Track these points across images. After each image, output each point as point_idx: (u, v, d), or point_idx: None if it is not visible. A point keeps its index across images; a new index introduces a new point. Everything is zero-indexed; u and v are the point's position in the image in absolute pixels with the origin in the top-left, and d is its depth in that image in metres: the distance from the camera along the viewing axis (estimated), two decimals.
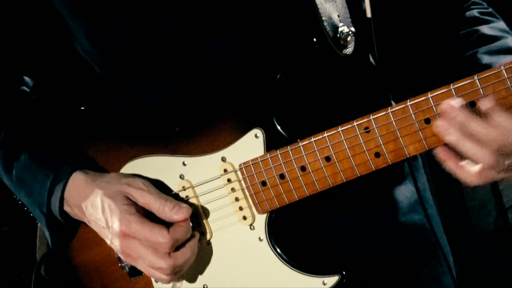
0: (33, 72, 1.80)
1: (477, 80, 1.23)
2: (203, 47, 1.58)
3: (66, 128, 1.74)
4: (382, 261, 1.67)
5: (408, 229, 1.70)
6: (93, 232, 1.65)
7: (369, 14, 1.51)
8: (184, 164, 1.61)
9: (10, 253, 3.59)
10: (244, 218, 1.56)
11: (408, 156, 1.37)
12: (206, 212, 1.61)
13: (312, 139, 1.44)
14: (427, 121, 1.30)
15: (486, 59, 1.54)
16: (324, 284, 1.50)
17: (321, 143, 1.43)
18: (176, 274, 1.57)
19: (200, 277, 1.64)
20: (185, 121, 1.61)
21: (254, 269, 1.58)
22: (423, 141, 1.33)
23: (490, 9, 1.72)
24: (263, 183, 1.52)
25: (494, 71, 1.21)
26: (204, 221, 1.61)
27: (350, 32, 1.48)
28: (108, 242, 1.60)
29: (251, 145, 1.53)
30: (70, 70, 1.74)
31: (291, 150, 1.47)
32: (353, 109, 1.38)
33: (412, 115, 1.31)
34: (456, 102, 1.25)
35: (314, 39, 1.44)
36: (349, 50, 1.50)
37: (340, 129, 1.40)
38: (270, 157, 1.50)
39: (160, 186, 1.62)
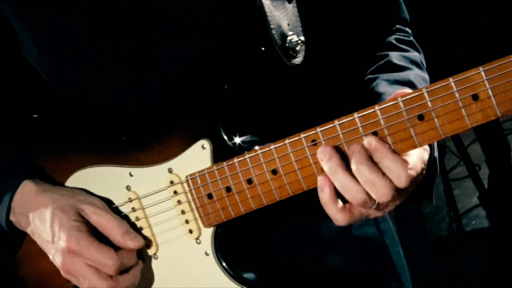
0: None
1: (425, 93, 1.17)
2: (152, 51, 1.51)
3: (15, 136, 1.65)
4: (333, 275, 1.61)
5: (361, 243, 1.65)
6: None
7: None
8: (131, 174, 1.54)
9: None
10: (190, 231, 1.49)
11: None
12: (152, 225, 1.54)
13: (259, 151, 1.36)
14: (375, 134, 1.23)
15: (382, 87, 1.51)
16: None
17: (268, 155, 1.35)
18: None
19: None
20: (132, 130, 1.54)
21: (200, 284, 1.51)
22: None
23: (410, 38, 1.69)
24: (209, 196, 1.45)
25: (442, 84, 1.15)
26: (150, 234, 1.54)
27: (299, 41, 1.42)
28: (50, 256, 1.52)
29: (198, 156, 1.46)
30: (16, 76, 1.67)
31: (237, 162, 1.40)
32: (312, 121, 1.30)
33: (360, 128, 1.24)
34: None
35: (262, 48, 1.38)
36: (298, 60, 1.43)
37: (287, 141, 1.33)
38: (216, 169, 1.43)
39: (106, 197, 1.56)
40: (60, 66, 1.59)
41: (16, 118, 1.67)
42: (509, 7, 3.62)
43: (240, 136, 1.45)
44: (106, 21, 1.50)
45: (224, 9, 1.43)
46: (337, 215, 1.31)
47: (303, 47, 1.44)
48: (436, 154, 1.43)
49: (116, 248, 1.48)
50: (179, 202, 1.49)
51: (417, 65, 1.59)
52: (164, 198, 1.51)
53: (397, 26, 1.70)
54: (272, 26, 1.39)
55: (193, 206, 1.48)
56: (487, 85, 1.11)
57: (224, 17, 1.44)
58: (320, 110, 1.33)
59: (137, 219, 1.54)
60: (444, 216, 4.26)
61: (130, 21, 1.49)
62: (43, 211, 1.50)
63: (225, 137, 1.44)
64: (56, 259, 1.49)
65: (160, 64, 1.51)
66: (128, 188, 1.54)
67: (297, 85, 1.51)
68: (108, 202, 1.55)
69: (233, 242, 1.51)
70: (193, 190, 1.47)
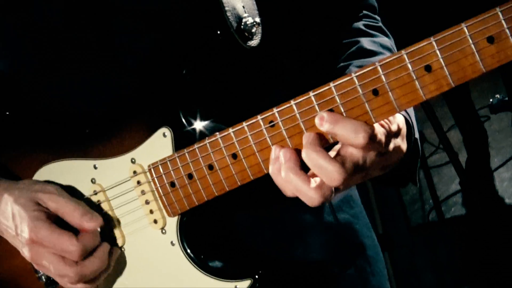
0: None
1: (378, 67, 1.13)
2: (110, 44, 1.47)
3: None
4: (304, 262, 1.57)
5: (332, 229, 1.61)
6: (9, 243, 1.53)
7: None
8: (95, 167, 1.50)
9: None
10: (155, 221, 1.45)
11: None
12: (118, 217, 1.50)
13: (218, 136, 1.32)
14: (331, 111, 1.19)
15: None
16: None
17: (227, 139, 1.31)
18: (88, 283, 1.47)
19: (115, 285, 1.53)
20: (95, 122, 1.50)
21: (168, 275, 1.47)
22: None
23: (379, 24, 1.65)
24: (172, 184, 1.41)
25: (395, 56, 1.12)
26: (116, 225, 1.50)
27: (255, 23, 1.38)
28: (20, 251, 1.49)
29: (159, 144, 1.42)
30: None
31: (198, 148, 1.36)
32: (273, 104, 1.26)
33: (316, 106, 1.20)
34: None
35: (218, 32, 1.34)
36: (254, 42, 1.39)
37: (244, 124, 1.29)
38: (177, 157, 1.39)
39: (72, 191, 1.52)
40: (19, 65, 1.56)
41: None
42: None
43: (200, 121, 1.41)
44: (65, 16, 1.47)
45: None
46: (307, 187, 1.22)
47: (259, 29, 1.40)
48: (417, 135, 1.40)
49: (78, 233, 1.45)
50: (142, 192, 1.45)
51: (388, 49, 1.56)
52: (128, 188, 1.47)
53: (365, 12, 1.66)
54: (227, 8, 1.35)
55: (157, 196, 1.44)
56: (439, 55, 1.07)
57: (179, 2, 1.40)
58: (281, 93, 1.28)
59: (103, 211, 1.50)
60: (423, 203, 4.26)
61: (86, 15, 1.46)
62: (5, 208, 1.47)
63: (186, 124, 1.40)
64: (24, 252, 1.46)
65: (118, 56, 1.48)
66: (93, 181, 1.50)
67: (256, 67, 1.47)
68: (75, 196, 1.51)
69: (199, 231, 1.47)
70: (155, 179, 1.43)
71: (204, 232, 1.48)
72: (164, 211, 1.44)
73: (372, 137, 1.16)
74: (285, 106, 1.24)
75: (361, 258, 1.65)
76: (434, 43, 1.07)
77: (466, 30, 1.05)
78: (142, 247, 1.49)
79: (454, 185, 4.26)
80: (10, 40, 1.53)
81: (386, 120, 1.23)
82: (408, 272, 3.88)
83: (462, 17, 1.09)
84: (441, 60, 1.07)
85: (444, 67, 1.08)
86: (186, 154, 1.37)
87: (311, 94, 1.20)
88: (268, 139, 1.27)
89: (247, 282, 1.39)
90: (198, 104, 1.42)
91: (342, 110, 1.18)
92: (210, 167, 1.35)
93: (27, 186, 1.50)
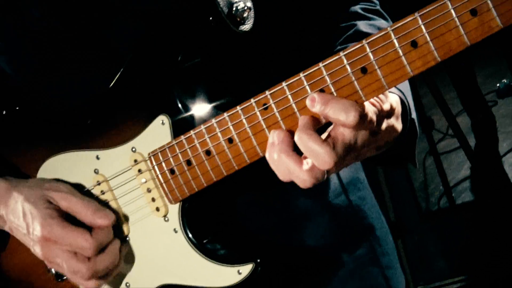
0: None
1: (366, 45, 1.13)
2: (102, 35, 1.48)
3: None
4: (310, 246, 1.57)
5: (339, 211, 1.60)
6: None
7: None
8: (97, 158, 1.50)
9: None
10: (157, 209, 1.45)
11: None
12: (121, 206, 1.50)
13: (213, 121, 1.32)
14: (322, 91, 1.19)
15: None
16: (239, 273, 1.40)
17: (223, 124, 1.31)
18: (100, 279, 1.47)
19: (121, 275, 1.53)
20: (96, 112, 1.51)
21: (172, 262, 1.47)
22: None
23: (377, 7, 1.64)
24: (172, 171, 1.41)
25: (381, 33, 1.11)
26: (121, 215, 1.50)
27: (246, 8, 1.38)
28: (31, 249, 1.49)
29: (158, 132, 1.42)
30: None
31: (194, 134, 1.35)
32: (268, 88, 1.26)
33: (307, 87, 1.20)
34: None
35: (210, 18, 1.34)
36: (246, 26, 1.39)
37: (238, 108, 1.28)
38: (175, 143, 1.39)
39: (76, 182, 1.52)
40: (20, 64, 1.57)
41: None
42: None
43: (197, 108, 1.41)
44: (55, 7, 1.47)
45: None
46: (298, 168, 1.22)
47: (251, 13, 1.40)
48: (414, 116, 1.38)
49: (90, 230, 1.44)
50: (144, 180, 1.45)
51: None
52: (130, 177, 1.47)
53: None
54: None
55: (158, 183, 1.44)
56: (424, 30, 1.06)
57: None
58: (276, 77, 1.28)
59: (107, 201, 1.50)
60: (433, 190, 4.23)
61: (77, 5, 1.46)
62: (15, 206, 1.47)
63: (183, 110, 1.40)
64: (36, 249, 1.46)
65: (111, 43, 1.48)
66: (96, 171, 1.51)
67: (250, 52, 1.47)
68: (79, 187, 1.52)
69: (200, 217, 1.47)
70: (155, 167, 1.43)
71: (206, 218, 1.48)
72: (165, 198, 1.44)
73: (363, 116, 1.15)
74: (277, 88, 1.23)
75: (371, 238, 1.64)
76: (418, 18, 1.07)
77: (449, 4, 1.04)
78: (146, 235, 1.49)
79: (464, 171, 4.23)
80: (10, 39, 1.54)
81: (377, 99, 1.22)
82: (420, 259, 3.85)
83: None
84: (426, 35, 1.07)
85: (430, 42, 1.07)
86: (184, 141, 1.37)
87: (302, 75, 1.20)
88: (262, 122, 1.26)
89: (249, 266, 1.38)
90: (194, 90, 1.41)
91: (332, 90, 1.18)
92: (208, 152, 1.35)
93: (37, 184, 1.50)
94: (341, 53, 1.15)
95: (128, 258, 1.52)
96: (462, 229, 3.99)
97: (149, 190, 1.45)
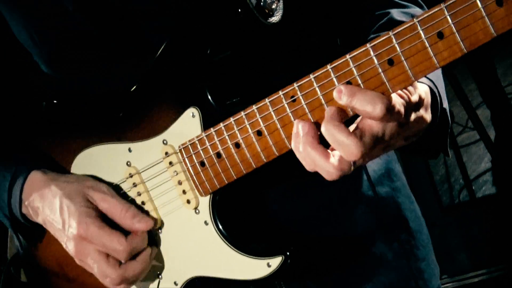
0: None
1: (392, 36, 1.13)
2: (136, 30, 1.49)
3: (18, 125, 1.65)
4: (341, 238, 1.56)
5: (372, 203, 1.59)
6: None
7: None
8: (129, 150, 1.52)
9: None
10: (188, 201, 1.46)
11: None
12: (153, 198, 1.52)
13: (242, 113, 1.33)
14: (349, 83, 1.19)
15: None
16: (269, 266, 1.40)
17: (251, 116, 1.32)
18: (128, 284, 1.48)
19: (154, 266, 1.54)
20: (128, 105, 1.52)
21: (203, 254, 1.47)
22: None
23: None
24: (202, 163, 1.42)
25: (407, 24, 1.11)
26: (152, 208, 1.51)
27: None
28: (63, 244, 1.50)
29: (189, 125, 1.43)
30: (13, 65, 1.67)
31: (223, 126, 1.36)
32: (296, 80, 1.26)
33: (334, 78, 1.20)
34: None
35: (239, 10, 1.34)
36: (275, 18, 1.38)
37: (267, 100, 1.29)
38: (205, 136, 1.40)
39: (109, 175, 1.54)
40: (54, 55, 1.58)
41: (17, 108, 1.66)
42: None
43: (227, 100, 1.41)
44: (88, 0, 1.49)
45: None
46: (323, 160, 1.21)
47: (280, 4, 1.39)
48: (446, 105, 1.36)
49: (126, 234, 1.46)
50: (175, 172, 1.46)
51: None
52: (161, 170, 1.48)
53: None
54: None
55: (188, 176, 1.45)
56: (450, 21, 1.07)
57: None
58: (304, 69, 1.28)
59: (139, 194, 1.52)
60: (453, 183, 4.18)
61: (109, 2, 1.47)
62: (52, 200, 1.48)
63: (213, 103, 1.40)
64: (69, 246, 1.47)
65: (144, 37, 1.49)
66: (128, 164, 1.52)
67: (279, 44, 1.46)
68: (112, 179, 1.54)
69: (231, 209, 1.47)
70: (186, 159, 1.44)
71: (236, 210, 1.48)
72: (196, 191, 1.45)
73: (390, 108, 1.14)
74: (304, 81, 1.24)
75: (404, 231, 1.63)
76: (445, 9, 1.07)
77: None
78: (177, 227, 1.50)
79: (484, 163, 4.18)
80: (44, 33, 1.55)
81: (405, 90, 1.21)
82: (442, 252, 3.82)
83: None
84: (452, 26, 1.07)
85: (456, 33, 1.07)
86: (213, 133, 1.38)
87: (329, 67, 1.20)
88: (290, 114, 1.27)
89: (279, 259, 1.38)
90: (224, 83, 1.42)
91: (360, 82, 1.18)
92: (237, 145, 1.36)
93: (78, 180, 1.51)
94: (368, 45, 1.15)
95: (161, 250, 1.53)
96: (483, 222, 3.95)
97: (180, 183, 1.46)
